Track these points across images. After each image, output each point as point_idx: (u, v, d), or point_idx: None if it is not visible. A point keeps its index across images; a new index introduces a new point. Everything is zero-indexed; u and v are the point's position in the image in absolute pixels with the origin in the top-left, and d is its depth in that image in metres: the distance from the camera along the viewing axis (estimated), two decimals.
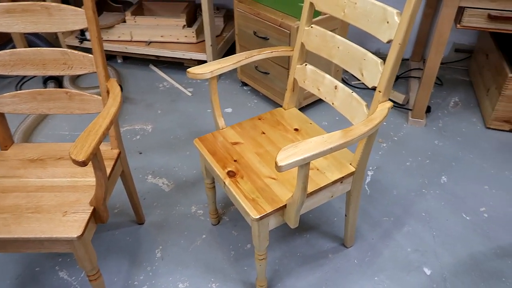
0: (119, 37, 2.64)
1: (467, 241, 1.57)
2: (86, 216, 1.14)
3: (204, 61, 2.61)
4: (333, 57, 1.30)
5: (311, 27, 1.35)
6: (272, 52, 1.43)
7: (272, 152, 1.34)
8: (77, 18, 1.21)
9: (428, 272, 1.47)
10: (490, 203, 1.73)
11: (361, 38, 2.79)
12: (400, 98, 2.30)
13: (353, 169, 1.26)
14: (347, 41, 1.24)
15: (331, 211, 1.71)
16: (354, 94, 1.24)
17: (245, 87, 2.54)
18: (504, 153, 1.99)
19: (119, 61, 2.85)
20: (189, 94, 2.50)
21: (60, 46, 2.73)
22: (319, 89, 1.38)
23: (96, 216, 1.19)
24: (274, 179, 1.23)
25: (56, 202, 1.19)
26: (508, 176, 1.86)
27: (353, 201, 1.37)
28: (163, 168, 1.97)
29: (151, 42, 2.64)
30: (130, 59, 2.86)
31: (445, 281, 1.44)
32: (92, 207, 1.17)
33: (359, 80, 2.56)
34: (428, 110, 2.19)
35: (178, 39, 2.60)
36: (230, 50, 2.85)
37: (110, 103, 1.18)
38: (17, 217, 1.14)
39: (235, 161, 1.31)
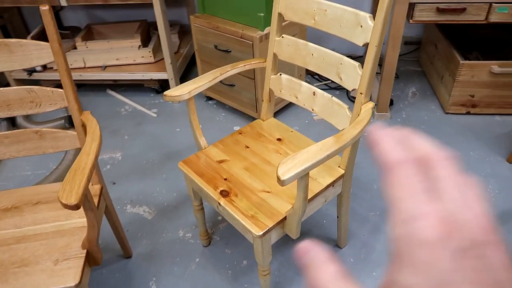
0: (71, 64, 2.53)
1: None
2: (80, 261, 1.07)
3: (166, 80, 2.55)
4: (307, 65, 1.31)
5: (282, 37, 1.36)
6: (245, 65, 1.43)
7: (260, 166, 1.33)
8: (41, 53, 1.14)
9: None
10: None
11: (317, 38, 2.86)
12: None
13: (343, 172, 1.28)
14: (321, 48, 1.26)
15: (319, 214, 1.73)
16: (334, 98, 1.27)
17: (210, 101, 2.51)
18: (466, 135, 2.11)
19: None
20: (154, 115, 2.44)
21: (5, 81, 2.56)
22: (296, 97, 1.40)
23: (90, 259, 1.12)
24: (269, 192, 1.23)
25: (43, 251, 1.11)
26: (473, 156, 1.98)
27: (344, 202, 1.39)
28: (141, 195, 1.90)
29: (106, 66, 2.54)
30: (85, 86, 2.74)
31: None
32: (85, 250, 1.10)
33: (321, 82, 2.62)
34: (391, 103, 2.28)
35: (135, 60, 2.53)
36: (189, 66, 2.82)
37: (90, 138, 1.12)
38: (2, 274, 1.05)
39: (225, 179, 1.28)
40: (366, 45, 1.11)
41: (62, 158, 2.07)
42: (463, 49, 2.44)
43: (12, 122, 2.34)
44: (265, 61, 1.45)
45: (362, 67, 1.14)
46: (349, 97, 2.45)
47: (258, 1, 1.91)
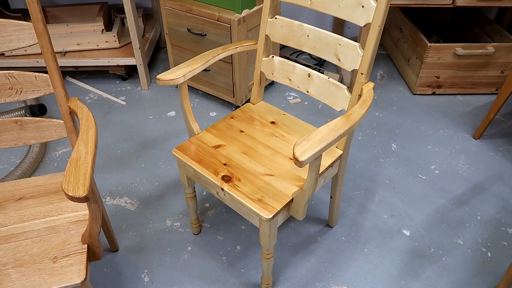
0: (25, 50, 2.33)
1: (429, 198, 1.74)
2: (82, 256, 1.00)
3: (133, 66, 2.43)
4: (302, 46, 1.31)
5: (275, 18, 1.34)
6: (236, 47, 1.39)
7: (259, 149, 1.31)
8: (22, 34, 1.03)
9: (407, 233, 1.59)
10: (437, 160, 1.93)
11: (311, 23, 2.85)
12: (335, 77, 2.42)
13: (341, 152, 1.30)
14: (317, 28, 1.25)
15: None
16: (331, 80, 1.27)
17: None
18: (433, 114, 2.22)
19: None
20: (123, 103, 2.32)
21: None
22: (290, 79, 1.39)
23: (89, 254, 1.05)
24: (272, 175, 1.22)
25: (38, 249, 1.02)
26: (443, 134, 2.09)
27: (339, 182, 1.41)
28: (120, 186, 1.81)
29: (66, 52, 2.37)
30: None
31: (423, 237, 1.58)
32: (86, 245, 1.03)
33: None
34: None
35: (98, 45, 2.38)
36: (155, 51, 2.70)
37: (84, 126, 1.04)
38: None
39: (225, 164, 1.25)
40: (367, 25, 1.12)
41: (27, 151, 1.91)
42: (423, 33, 2.56)
43: None
44: (256, 43, 1.42)
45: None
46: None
47: None
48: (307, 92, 1.35)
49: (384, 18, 1.09)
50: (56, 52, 2.35)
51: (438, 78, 2.29)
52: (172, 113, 2.23)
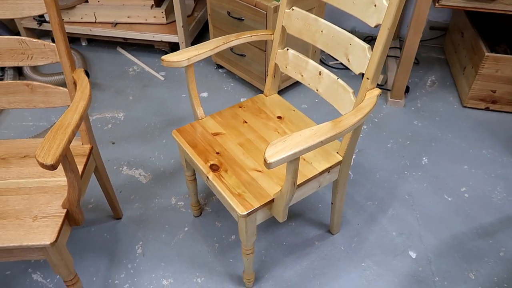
0: (82, 18, 2.47)
1: (449, 222, 1.59)
2: (59, 220, 1.06)
3: (176, 43, 2.48)
4: (316, 42, 1.23)
5: (292, 9, 1.27)
6: (251, 36, 1.35)
7: (256, 143, 1.28)
8: (33, 2, 1.08)
9: (413, 255, 1.47)
10: (470, 182, 1.74)
11: (336, 16, 2.73)
12: (379, 78, 2.27)
13: (340, 158, 1.22)
14: (331, 24, 1.17)
15: (315, 197, 1.69)
16: (340, 81, 1.19)
17: (220, 70, 2.44)
18: (481, 132, 2.01)
19: (83, 43, 2.67)
20: (162, 78, 2.38)
21: (17, 29, 2.53)
22: (302, 75, 1.32)
23: (70, 219, 1.11)
24: (260, 171, 1.18)
25: (24, 206, 1.09)
26: (486, 155, 1.88)
27: (340, 189, 1.34)
28: (138, 158, 1.87)
29: (117, 23, 2.48)
30: (96, 41, 2.69)
31: (430, 263, 1.45)
32: (65, 210, 1.08)
33: (337, 60, 2.51)
34: (407, 90, 2.17)
35: (146, 19, 2.46)
36: (202, 31, 2.73)
37: (78, 97, 1.08)
38: None
39: (217, 153, 1.24)
40: (377, 26, 1.02)
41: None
42: (491, 40, 2.30)
43: (19, 72, 2.32)
44: (273, 33, 1.36)
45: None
46: None
47: None
48: (317, 90, 1.28)
49: (396, 20, 0.98)
50: (107, 23, 2.47)
51: (494, 92, 2.05)
52: (205, 94, 2.25)
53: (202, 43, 1.30)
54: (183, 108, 2.16)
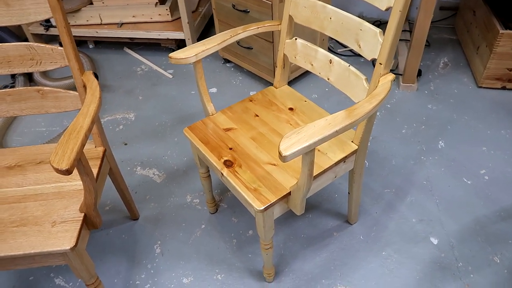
0: (87, 20, 2.47)
1: (470, 206, 1.55)
2: (77, 224, 1.06)
3: (183, 40, 2.47)
4: (325, 29, 1.20)
5: None
6: (258, 28, 1.33)
7: (269, 136, 1.26)
8: (38, 8, 1.08)
9: (435, 241, 1.45)
10: (489, 164, 1.70)
11: (343, 2, 2.68)
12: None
13: (356, 147, 1.20)
14: (339, 10, 1.14)
15: (331, 187, 1.67)
16: (352, 68, 1.16)
17: (227, 64, 2.42)
18: (498, 112, 1.96)
19: (90, 46, 2.68)
20: (170, 76, 2.37)
21: (24, 36, 2.54)
22: (312, 64, 1.30)
23: (88, 223, 1.11)
24: (275, 165, 1.16)
25: (42, 212, 1.10)
26: (504, 135, 1.83)
27: (357, 179, 1.31)
28: (151, 158, 1.87)
29: (123, 23, 2.47)
30: (102, 43, 2.69)
31: (453, 248, 1.42)
32: (83, 214, 1.08)
33: (346, 47, 2.47)
34: (419, 73, 2.13)
35: (151, 18, 2.44)
36: (207, 26, 2.71)
37: (89, 100, 1.07)
38: (0, 232, 1.05)
39: (230, 149, 1.23)
40: (389, 9, 0.99)
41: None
42: (504, 17, 2.23)
43: (29, 78, 2.33)
44: (280, 24, 1.34)
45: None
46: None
47: None
48: (328, 79, 1.25)
49: (408, 2, 0.95)
50: (113, 23, 2.46)
51: (511, 70, 2.00)
52: (214, 90, 2.24)
53: (209, 38, 1.28)
54: (193, 105, 2.15)
